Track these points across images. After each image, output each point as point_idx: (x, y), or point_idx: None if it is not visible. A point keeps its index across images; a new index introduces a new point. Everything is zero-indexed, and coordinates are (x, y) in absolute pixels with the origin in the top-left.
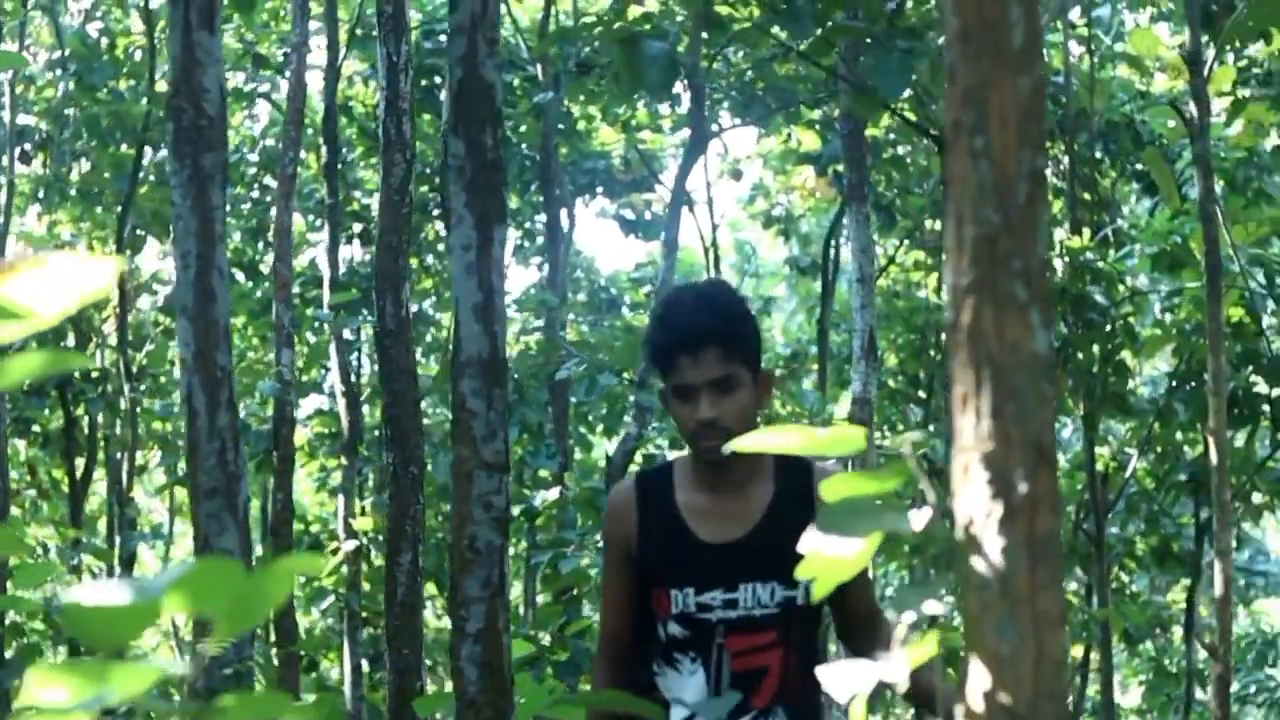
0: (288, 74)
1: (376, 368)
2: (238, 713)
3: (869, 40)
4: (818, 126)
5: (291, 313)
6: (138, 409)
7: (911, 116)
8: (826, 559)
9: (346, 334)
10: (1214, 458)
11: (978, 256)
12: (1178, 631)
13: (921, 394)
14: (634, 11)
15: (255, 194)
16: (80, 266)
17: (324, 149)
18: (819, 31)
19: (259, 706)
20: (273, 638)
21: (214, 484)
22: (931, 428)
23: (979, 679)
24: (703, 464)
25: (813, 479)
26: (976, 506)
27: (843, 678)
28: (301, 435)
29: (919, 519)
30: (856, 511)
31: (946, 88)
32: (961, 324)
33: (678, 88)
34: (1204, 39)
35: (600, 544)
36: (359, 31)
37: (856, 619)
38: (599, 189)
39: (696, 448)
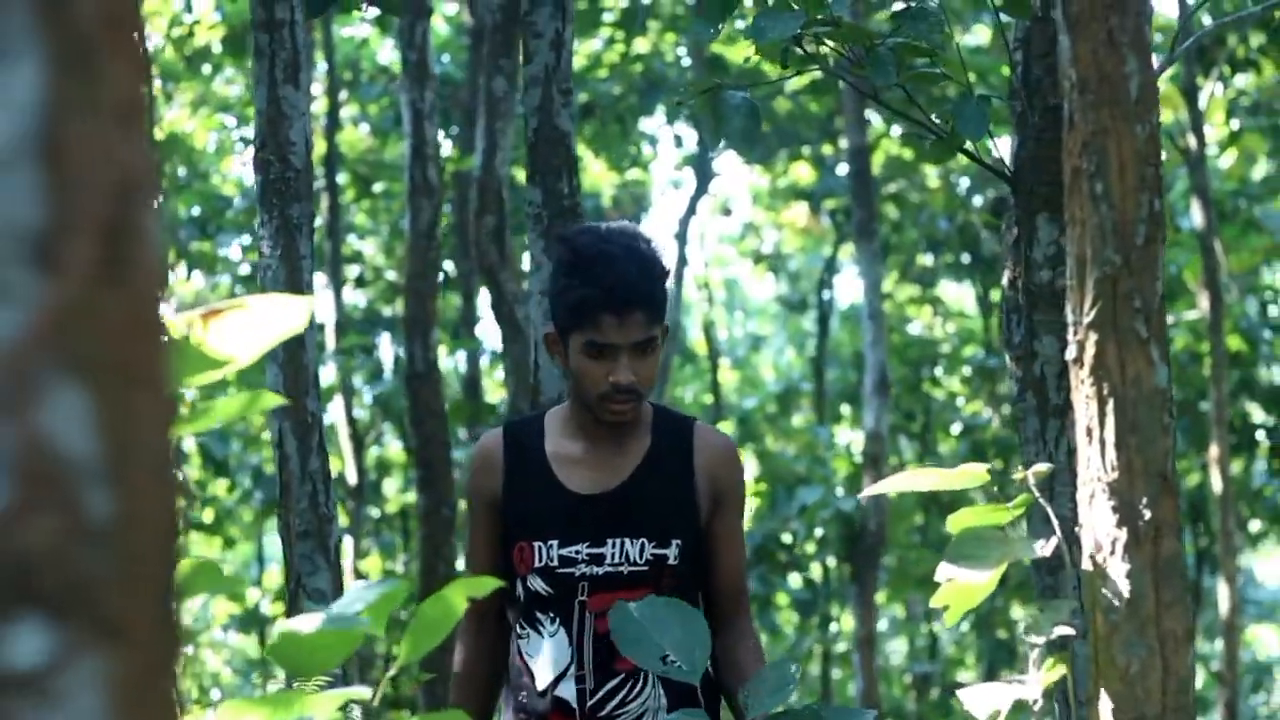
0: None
1: (368, 412)
2: None
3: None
4: (815, 163)
5: None
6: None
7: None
8: (959, 586)
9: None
10: (1217, 486)
11: (1100, 295)
12: None
13: (916, 428)
14: (640, 45)
15: (245, 240)
16: (277, 307)
17: (323, 195)
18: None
19: None
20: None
21: (306, 526)
22: (927, 462)
23: (1109, 696)
24: (589, 419)
25: (693, 438)
26: (1103, 533)
27: (981, 697)
28: None
29: (1044, 547)
30: (985, 541)
31: (1065, 135)
32: (1085, 359)
33: (681, 128)
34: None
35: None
36: (346, 75)
37: (722, 595)
38: None
39: (603, 409)
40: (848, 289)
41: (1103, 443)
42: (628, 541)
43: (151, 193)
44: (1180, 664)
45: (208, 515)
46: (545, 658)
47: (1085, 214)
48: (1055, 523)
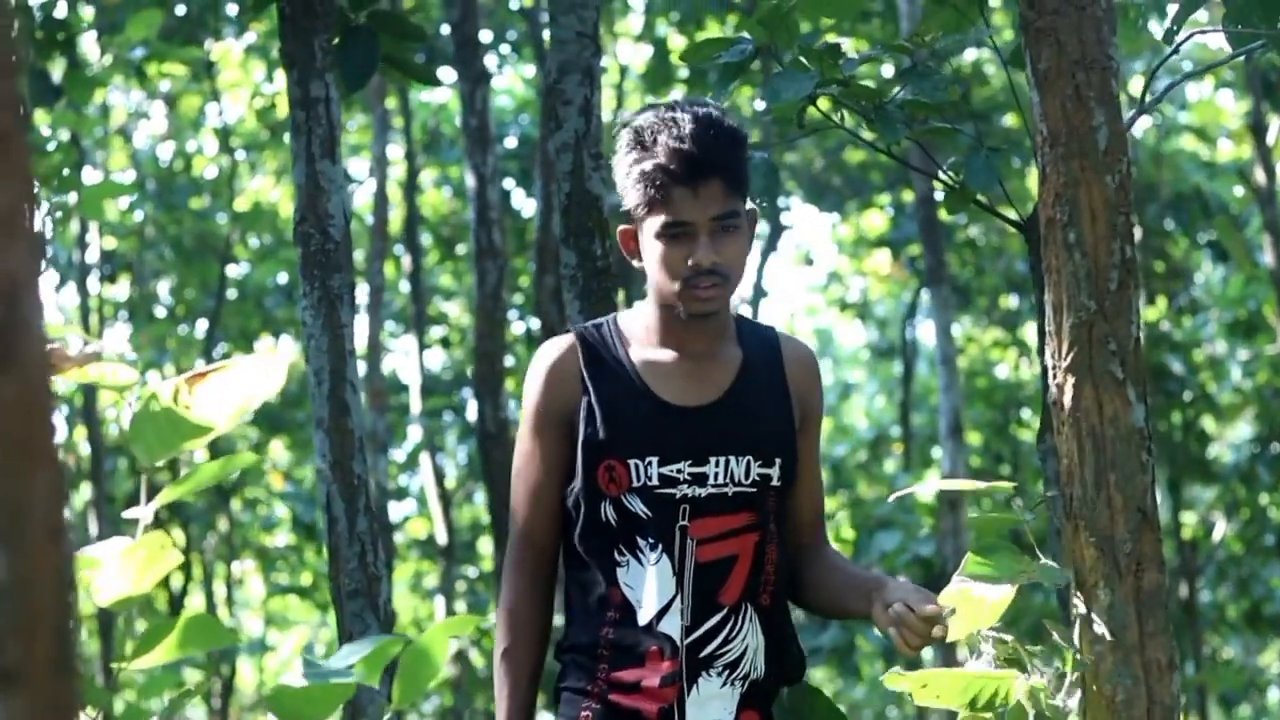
0: (352, 187)
1: (461, 472)
2: None
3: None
4: (889, 211)
5: (385, 421)
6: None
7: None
8: (974, 600)
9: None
10: None
11: (1076, 340)
12: (1273, 694)
13: (1005, 470)
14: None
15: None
16: (257, 368)
17: (405, 258)
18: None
19: None
20: None
21: (356, 585)
22: (1020, 502)
23: None
24: (674, 319)
25: (780, 348)
26: (1087, 567)
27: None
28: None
29: (1059, 573)
30: (1003, 560)
31: (1038, 187)
32: (1064, 402)
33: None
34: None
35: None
36: (425, 139)
37: (805, 522)
38: None
39: (687, 299)
40: (932, 333)
41: (1084, 481)
42: (733, 460)
43: (35, 293)
44: (1165, 692)
45: (305, 579)
46: (650, 588)
47: (1060, 262)
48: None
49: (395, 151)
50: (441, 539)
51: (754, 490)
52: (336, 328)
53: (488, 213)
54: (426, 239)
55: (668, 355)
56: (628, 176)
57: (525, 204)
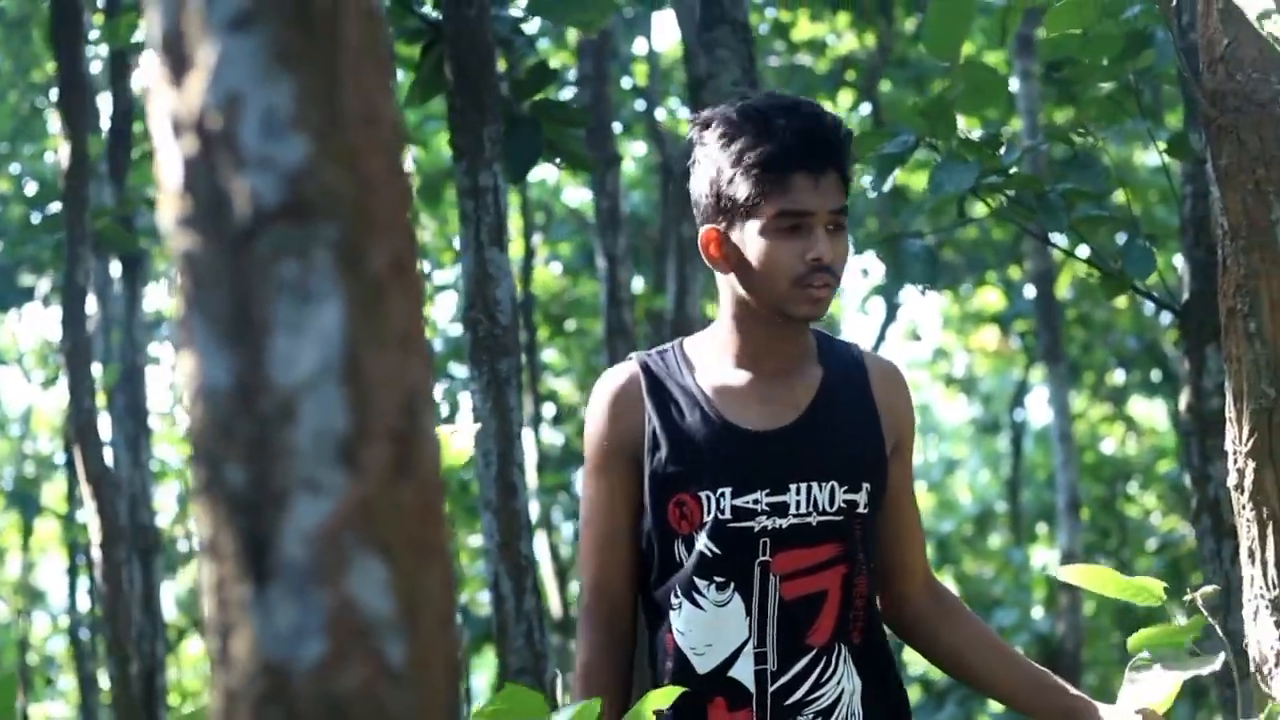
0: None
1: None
2: None
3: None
4: (1003, 286)
5: None
6: None
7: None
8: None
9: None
10: None
11: (1256, 426)
12: None
13: (1112, 545)
14: None
15: (445, 383)
16: (445, 437)
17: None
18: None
19: None
20: None
21: (522, 663)
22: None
23: None
24: (758, 332)
25: (866, 366)
26: (1267, 646)
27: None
28: None
29: (1215, 663)
30: (1165, 659)
31: (1220, 279)
32: (1245, 485)
33: (869, 259)
34: None
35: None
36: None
37: (911, 559)
38: None
39: (798, 300)
40: (1039, 410)
41: (1264, 563)
42: (815, 486)
43: (430, 403)
44: None
45: None
46: (708, 633)
47: (1241, 351)
48: (1224, 639)
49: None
50: (557, 613)
51: (840, 519)
52: (504, 411)
53: (618, 293)
54: (537, 317)
55: (741, 377)
56: (735, 164)
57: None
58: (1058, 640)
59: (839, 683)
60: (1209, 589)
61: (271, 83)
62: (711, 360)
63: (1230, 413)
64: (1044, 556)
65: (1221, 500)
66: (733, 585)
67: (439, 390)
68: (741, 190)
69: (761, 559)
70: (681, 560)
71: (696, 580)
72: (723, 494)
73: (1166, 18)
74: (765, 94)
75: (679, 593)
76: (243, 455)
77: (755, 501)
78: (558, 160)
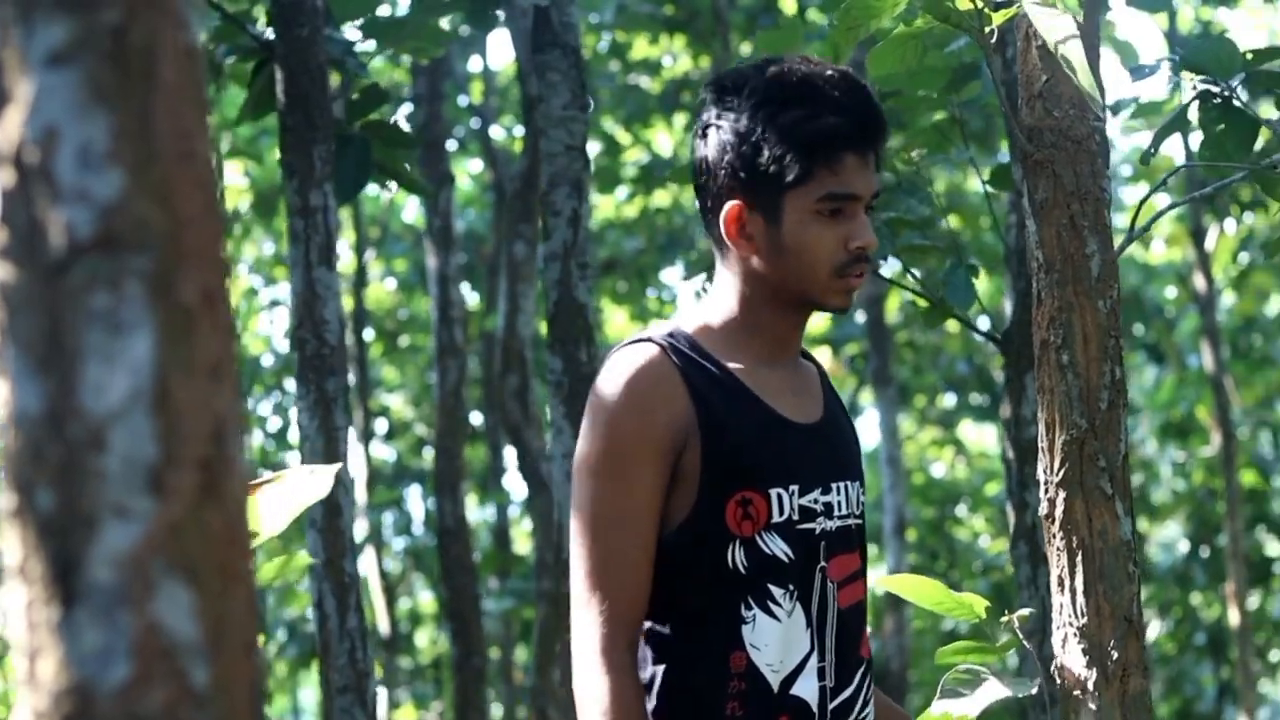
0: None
1: (400, 564)
2: None
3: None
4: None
5: None
6: None
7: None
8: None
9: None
10: (1234, 619)
11: (1068, 456)
12: None
13: (941, 567)
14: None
15: (276, 398)
16: (306, 476)
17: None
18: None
19: None
20: None
21: (345, 681)
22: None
23: None
24: (776, 320)
25: (821, 367)
26: (1076, 673)
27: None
28: None
29: (1028, 686)
30: (977, 679)
31: (1034, 311)
32: (1056, 515)
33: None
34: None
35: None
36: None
37: None
38: None
39: (837, 289)
40: (869, 433)
41: (1073, 590)
42: (849, 486)
43: (238, 431)
44: None
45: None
46: (783, 647)
47: (1054, 382)
48: (1039, 664)
49: (343, 246)
50: (384, 631)
51: (862, 520)
52: (331, 430)
53: (450, 311)
54: (369, 333)
55: (768, 367)
56: (783, 138)
57: (469, 295)
58: (883, 660)
59: (872, 700)
60: (1025, 612)
61: (88, 118)
62: (729, 348)
63: (1043, 443)
64: (871, 577)
65: (1039, 526)
66: (796, 594)
67: (269, 406)
68: (787, 166)
69: (821, 563)
70: (739, 567)
71: (772, 588)
72: (792, 491)
73: (987, 53)
74: (796, 57)
75: (751, 603)
76: (53, 480)
77: (815, 501)
78: (387, 183)
